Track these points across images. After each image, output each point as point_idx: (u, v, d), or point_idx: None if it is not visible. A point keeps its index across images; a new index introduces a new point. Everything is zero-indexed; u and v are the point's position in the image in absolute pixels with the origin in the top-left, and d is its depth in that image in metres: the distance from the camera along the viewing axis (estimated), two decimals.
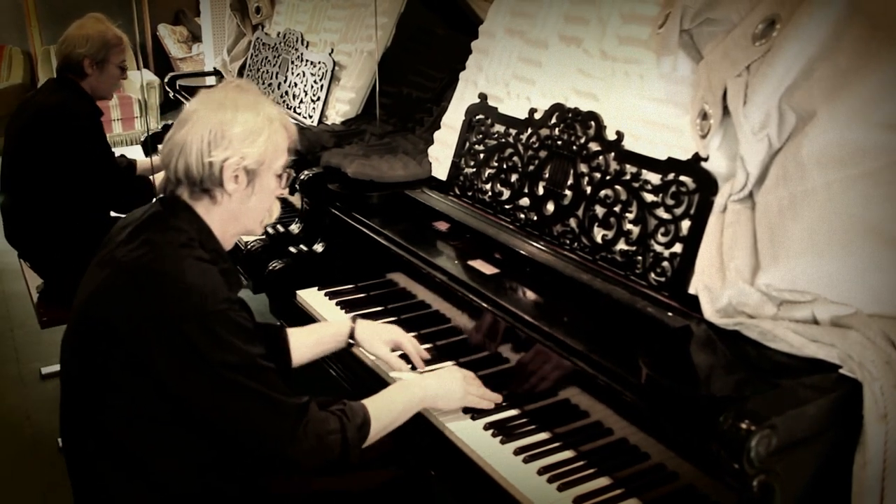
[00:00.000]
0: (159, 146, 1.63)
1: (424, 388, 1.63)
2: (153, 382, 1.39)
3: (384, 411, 1.57)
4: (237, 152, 1.48)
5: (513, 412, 1.67)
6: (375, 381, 1.86)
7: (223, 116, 1.48)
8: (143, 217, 1.52)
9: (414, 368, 1.84)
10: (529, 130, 1.95)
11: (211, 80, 4.43)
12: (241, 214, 1.56)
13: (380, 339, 1.86)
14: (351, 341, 1.89)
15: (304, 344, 1.87)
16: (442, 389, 1.64)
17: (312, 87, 3.17)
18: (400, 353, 1.87)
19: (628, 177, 1.67)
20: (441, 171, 2.24)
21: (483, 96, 2.14)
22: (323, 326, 1.96)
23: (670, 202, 1.57)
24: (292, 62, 3.37)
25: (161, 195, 1.58)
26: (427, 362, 1.85)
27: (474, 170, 2.09)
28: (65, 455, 1.54)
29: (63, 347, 1.53)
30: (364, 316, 2.08)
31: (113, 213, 3.10)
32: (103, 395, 1.43)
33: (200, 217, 1.52)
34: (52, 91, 3.06)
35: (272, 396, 1.42)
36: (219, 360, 1.37)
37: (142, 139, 3.60)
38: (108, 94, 3.19)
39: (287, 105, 3.32)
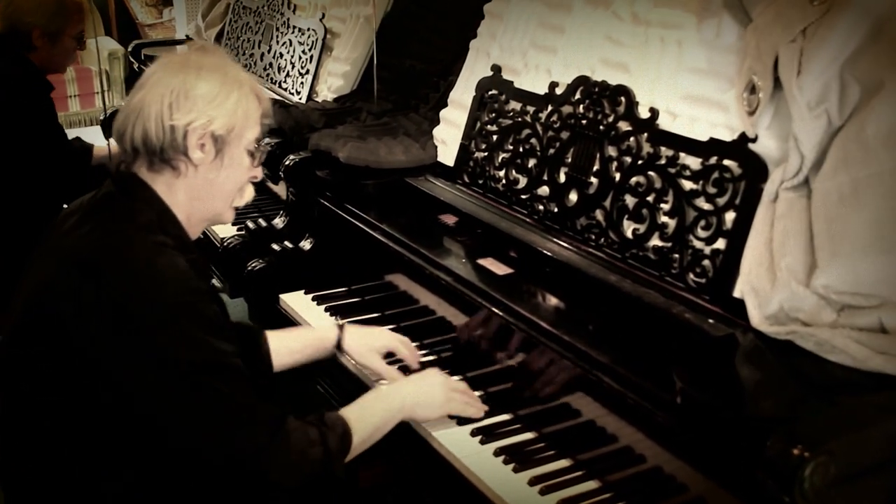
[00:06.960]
0: None
1: (403, 396, 1.66)
2: (102, 387, 1.38)
3: (364, 422, 1.59)
4: (203, 114, 1.48)
5: (529, 435, 1.67)
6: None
7: (186, 77, 1.49)
8: (94, 199, 1.52)
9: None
10: (550, 108, 1.94)
11: (182, 50, 4.45)
12: (209, 192, 1.56)
13: (372, 348, 1.87)
14: (337, 351, 1.90)
15: (285, 349, 1.88)
16: (421, 397, 1.66)
17: (300, 58, 3.18)
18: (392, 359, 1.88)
19: (663, 161, 1.66)
20: (448, 155, 2.24)
21: (497, 68, 2.14)
22: (306, 331, 1.98)
23: (712, 190, 1.57)
24: (277, 29, 3.38)
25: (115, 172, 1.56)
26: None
27: (486, 154, 2.09)
28: (0, 476, 1.54)
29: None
30: (358, 324, 2.09)
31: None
32: (42, 407, 1.43)
33: (161, 197, 1.52)
34: None
35: (245, 402, 1.41)
36: (183, 358, 1.37)
37: (101, 118, 3.60)
38: (61, 69, 3.20)
39: (271, 79, 3.33)
